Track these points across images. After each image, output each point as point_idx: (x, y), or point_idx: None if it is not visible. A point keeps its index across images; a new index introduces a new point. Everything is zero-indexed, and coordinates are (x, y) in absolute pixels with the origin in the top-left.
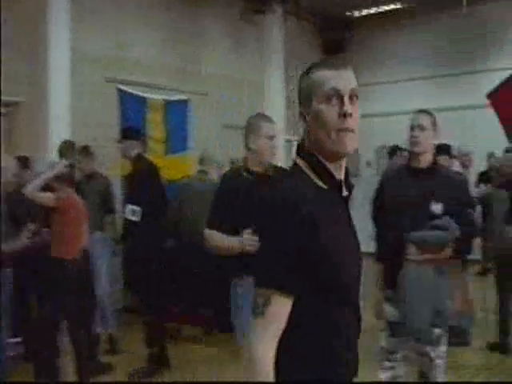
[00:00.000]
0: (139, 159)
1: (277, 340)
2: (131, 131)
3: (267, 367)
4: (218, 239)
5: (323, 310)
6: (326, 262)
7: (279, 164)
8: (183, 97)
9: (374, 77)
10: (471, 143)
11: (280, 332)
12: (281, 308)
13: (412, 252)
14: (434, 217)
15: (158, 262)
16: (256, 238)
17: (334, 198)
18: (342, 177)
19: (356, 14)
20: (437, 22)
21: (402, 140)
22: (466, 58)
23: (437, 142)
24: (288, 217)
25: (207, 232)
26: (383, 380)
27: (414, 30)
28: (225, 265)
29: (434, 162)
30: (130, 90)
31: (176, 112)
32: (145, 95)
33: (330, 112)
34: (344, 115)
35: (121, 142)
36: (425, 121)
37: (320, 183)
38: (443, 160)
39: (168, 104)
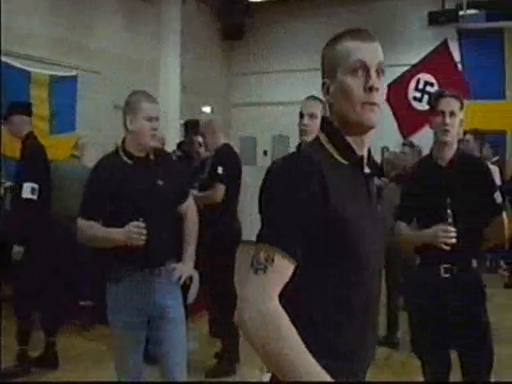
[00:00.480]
0: (30, 137)
1: (277, 300)
2: (21, 106)
3: (285, 320)
4: (93, 230)
5: (337, 287)
6: (340, 233)
7: (167, 149)
8: (72, 73)
9: (274, 65)
10: None
11: (278, 290)
12: (282, 270)
13: None
14: None
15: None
16: (143, 231)
17: (354, 174)
18: (365, 153)
19: None
20: (337, 16)
21: (283, 126)
22: None
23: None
24: (301, 182)
25: (80, 222)
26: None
27: (315, 21)
28: (100, 258)
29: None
30: (12, 63)
31: (63, 89)
32: (29, 69)
33: (355, 85)
34: (370, 89)
35: (7, 118)
36: (315, 108)
37: (339, 158)
38: None
39: (54, 80)
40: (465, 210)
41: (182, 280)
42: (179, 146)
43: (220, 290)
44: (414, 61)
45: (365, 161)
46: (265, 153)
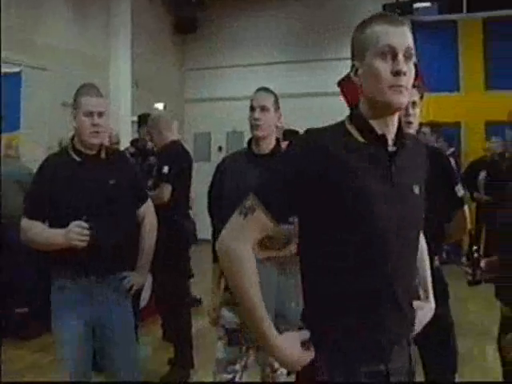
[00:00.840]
0: None
1: (252, 241)
2: None
3: (247, 261)
4: (34, 231)
5: (348, 265)
6: (345, 209)
7: (119, 147)
8: (15, 69)
9: (228, 59)
10: None
11: (254, 241)
12: (260, 222)
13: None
14: None
15: None
16: (85, 231)
17: (375, 153)
18: (393, 133)
19: None
20: (292, 8)
21: (239, 123)
22: (319, 45)
23: (279, 124)
24: (304, 147)
25: (23, 222)
26: None
27: (270, 14)
28: (46, 261)
29: (277, 148)
30: None
31: (6, 86)
32: None
33: (383, 68)
34: (397, 73)
35: None
36: (267, 101)
37: (360, 138)
38: None
39: None
40: (425, 204)
41: (133, 290)
42: (132, 143)
43: (171, 293)
44: None
45: (390, 140)
46: (219, 149)
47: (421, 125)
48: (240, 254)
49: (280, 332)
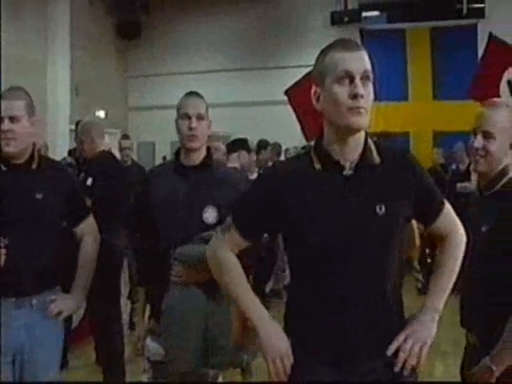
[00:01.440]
0: None
1: (233, 251)
2: None
3: (232, 265)
4: None
5: (305, 279)
6: (296, 230)
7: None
8: None
9: (173, 66)
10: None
11: (235, 249)
12: (235, 239)
13: (176, 271)
14: (207, 226)
15: None
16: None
17: (329, 178)
18: (354, 155)
19: None
20: (239, 14)
21: None
22: (265, 53)
23: (209, 132)
24: (268, 175)
25: None
26: None
27: (215, 19)
28: None
29: (208, 159)
30: None
31: None
32: None
33: (341, 92)
34: (355, 96)
35: None
36: (202, 108)
37: (318, 165)
38: (243, 156)
39: None
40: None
41: (61, 317)
42: (70, 153)
43: (102, 317)
44: None
45: (348, 164)
46: (164, 159)
47: (368, 134)
48: (225, 261)
49: None
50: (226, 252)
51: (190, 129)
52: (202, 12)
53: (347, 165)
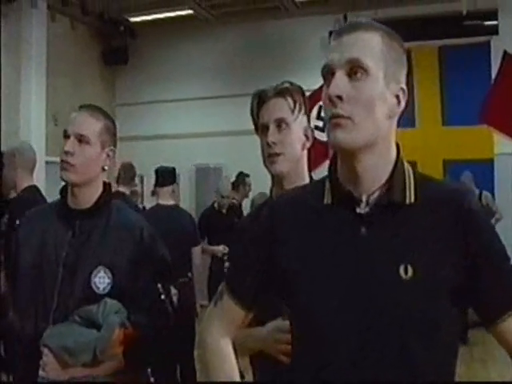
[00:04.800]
0: None
1: (228, 332)
2: None
3: (219, 359)
4: None
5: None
6: (287, 286)
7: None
8: None
9: (161, 93)
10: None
11: (231, 328)
12: (228, 308)
13: (44, 363)
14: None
15: None
16: None
17: (340, 216)
18: (376, 188)
19: (140, 18)
20: (232, 36)
21: (176, 163)
22: (262, 78)
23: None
24: (252, 230)
25: None
26: None
27: (207, 43)
28: None
29: (103, 200)
30: None
31: None
32: None
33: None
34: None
35: None
36: (87, 128)
37: (327, 197)
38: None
39: None
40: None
41: None
42: None
43: None
44: (315, 86)
45: (365, 197)
46: (152, 194)
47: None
48: (212, 348)
49: None
50: (215, 339)
51: (65, 153)
52: (192, 36)
53: (363, 198)
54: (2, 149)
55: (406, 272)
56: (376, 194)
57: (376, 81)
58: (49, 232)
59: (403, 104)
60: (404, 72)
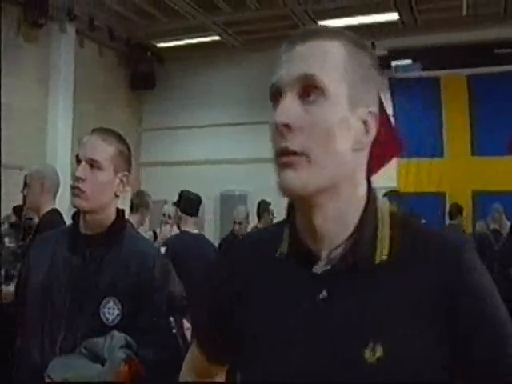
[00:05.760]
0: None
1: (194, 372)
2: None
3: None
4: None
5: None
6: (244, 351)
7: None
8: None
9: (188, 118)
10: None
11: (198, 369)
12: (196, 355)
13: None
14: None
15: None
16: None
17: (295, 274)
18: (341, 241)
19: (167, 43)
20: (257, 63)
21: (201, 189)
22: None
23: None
24: (213, 279)
25: None
26: None
27: (235, 67)
28: None
29: (117, 226)
30: None
31: None
32: None
33: None
34: (76, 177)
35: None
36: (99, 153)
37: (283, 247)
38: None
39: None
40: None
41: None
42: (15, 209)
43: None
44: None
45: (325, 253)
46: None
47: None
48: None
49: None
50: (184, 371)
51: (77, 178)
52: (219, 62)
53: (323, 255)
54: (27, 171)
55: (373, 353)
56: (340, 250)
57: (336, 104)
58: (58, 257)
59: (373, 132)
60: (375, 91)
